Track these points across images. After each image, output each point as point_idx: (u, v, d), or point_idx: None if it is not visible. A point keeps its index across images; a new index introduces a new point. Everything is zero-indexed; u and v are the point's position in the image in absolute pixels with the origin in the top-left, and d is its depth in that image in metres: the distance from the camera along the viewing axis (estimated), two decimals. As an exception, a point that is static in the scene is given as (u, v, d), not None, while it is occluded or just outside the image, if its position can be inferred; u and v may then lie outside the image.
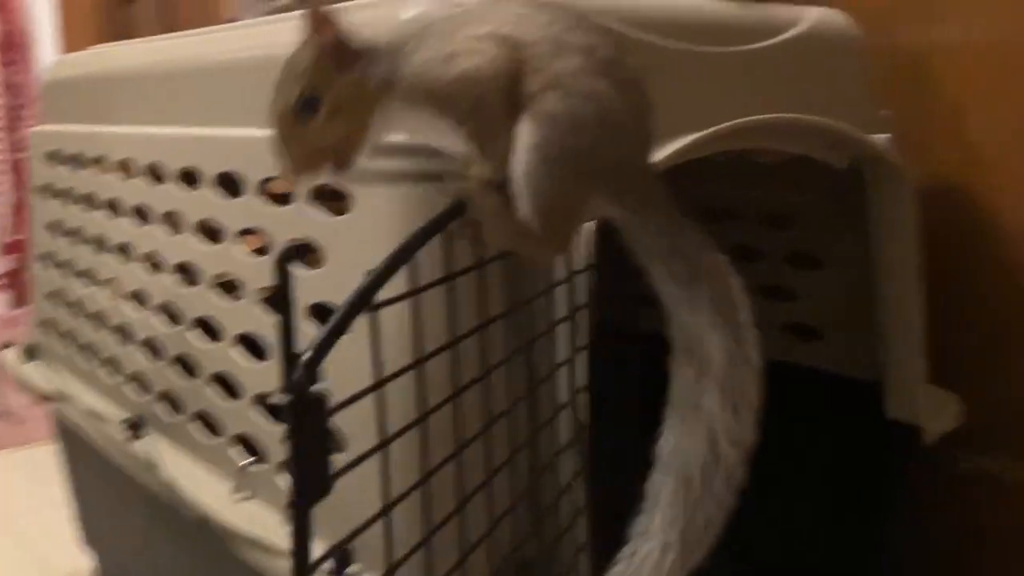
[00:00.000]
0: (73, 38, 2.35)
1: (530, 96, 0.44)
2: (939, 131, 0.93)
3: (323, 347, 0.30)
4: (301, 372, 0.29)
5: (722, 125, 0.67)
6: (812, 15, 0.80)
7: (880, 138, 0.78)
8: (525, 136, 0.44)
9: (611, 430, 0.65)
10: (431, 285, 0.42)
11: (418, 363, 0.40)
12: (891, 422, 0.86)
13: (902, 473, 0.87)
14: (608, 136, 0.45)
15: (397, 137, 0.48)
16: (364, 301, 0.34)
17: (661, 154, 0.66)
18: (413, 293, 0.40)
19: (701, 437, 0.44)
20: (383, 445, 0.37)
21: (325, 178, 0.48)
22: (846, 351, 0.93)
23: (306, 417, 0.30)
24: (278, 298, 0.30)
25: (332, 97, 0.45)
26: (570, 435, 0.59)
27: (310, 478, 0.31)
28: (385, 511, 0.37)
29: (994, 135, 0.89)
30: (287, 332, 0.30)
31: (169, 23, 2.09)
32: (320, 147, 0.45)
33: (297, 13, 0.96)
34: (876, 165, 0.80)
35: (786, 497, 0.93)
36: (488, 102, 0.44)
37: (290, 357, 0.30)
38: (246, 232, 0.72)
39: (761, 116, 0.70)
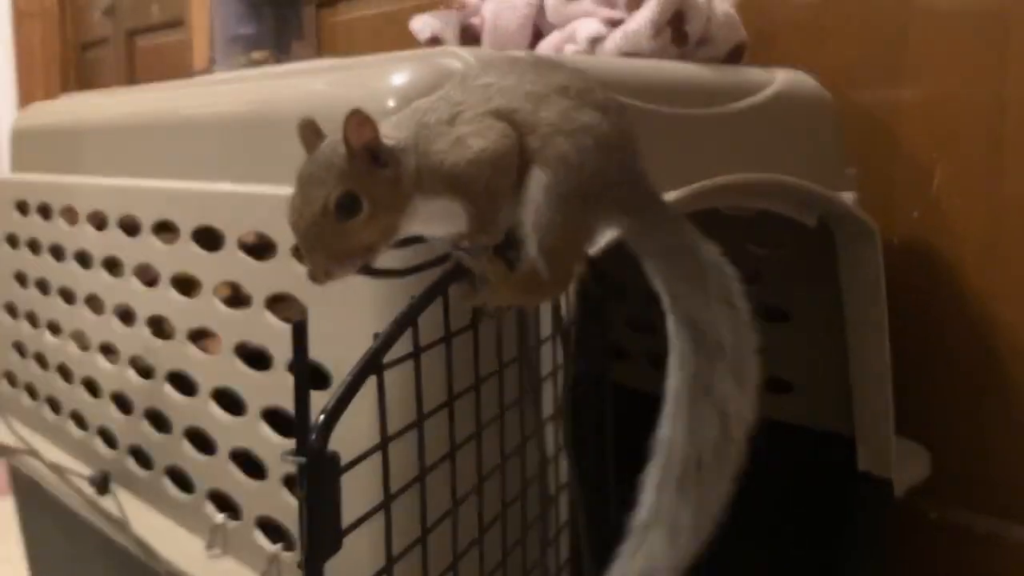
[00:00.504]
0: (30, 83, 2.33)
1: (532, 152, 0.46)
2: (901, 187, 0.95)
3: (336, 411, 0.31)
4: (316, 436, 0.30)
5: (691, 186, 0.68)
6: (781, 77, 0.82)
7: (847, 195, 0.80)
8: (537, 181, 0.46)
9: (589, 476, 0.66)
10: (433, 344, 0.42)
11: (420, 420, 0.40)
12: (862, 475, 0.87)
13: (873, 526, 0.88)
14: (607, 159, 0.47)
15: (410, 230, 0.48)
16: (374, 364, 0.34)
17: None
18: (416, 353, 0.40)
19: (713, 419, 0.47)
20: (388, 500, 0.37)
21: (351, 274, 0.46)
22: (817, 405, 0.94)
23: (321, 479, 0.30)
24: (296, 364, 0.30)
25: (373, 196, 0.44)
26: (557, 487, 0.60)
27: (324, 536, 0.31)
28: (388, 567, 0.38)
29: (954, 191, 0.92)
30: (303, 398, 0.30)
31: (129, 71, 2.08)
32: (358, 247, 0.45)
33: (273, 68, 0.96)
34: (844, 222, 0.82)
35: (757, 547, 0.94)
36: (502, 176, 0.46)
37: (304, 422, 0.30)
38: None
39: (729, 177, 0.72)
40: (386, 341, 0.35)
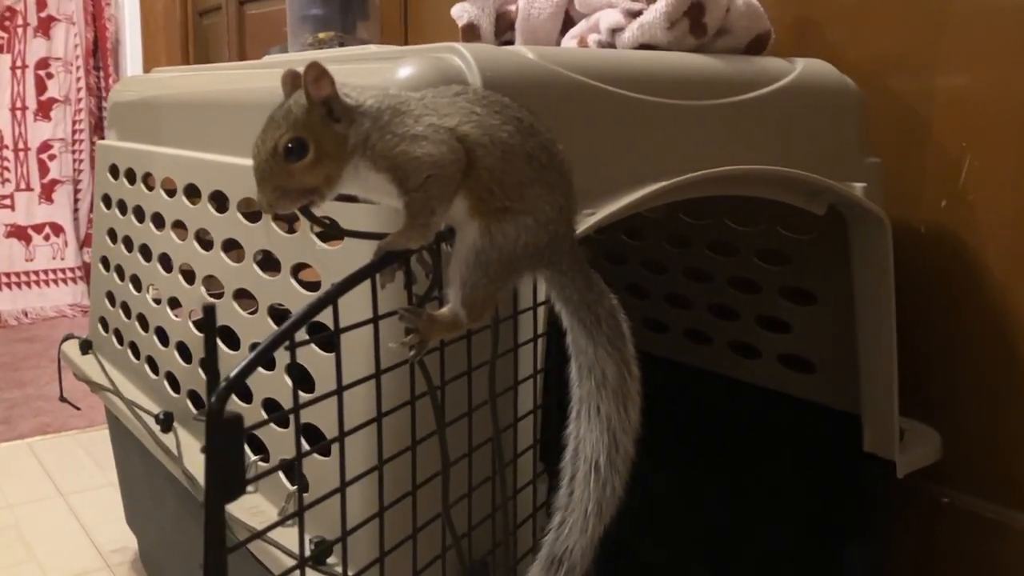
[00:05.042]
0: (154, 47, 2.49)
1: (477, 200, 0.52)
2: (930, 176, 0.96)
3: (236, 380, 0.37)
4: (216, 401, 0.36)
5: (689, 175, 0.72)
6: (801, 68, 0.84)
7: (857, 186, 0.82)
8: (472, 240, 0.53)
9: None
10: (388, 315, 0.49)
11: (378, 372, 0.47)
12: (868, 455, 0.90)
13: (875, 506, 0.91)
14: (542, 234, 0.54)
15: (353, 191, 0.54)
16: (279, 342, 0.41)
17: (638, 194, 0.72)
18: (335, 332, 0.47)
19: (603, 431, 0.56)
20: (302, 455, 0.44)
21: (292, 212, 0.53)
22: (839, 386, 0.97)
23: (219, 436, 0.37)
24: (205, 340, 0.37)
25: (319, 146, 0.50)
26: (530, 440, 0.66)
27: (224, 483, 0.38)
28: (342, 488, 0.46)
29: (982, 183, 0.92)
30: (212, 367, 0.36)
31: (240, 38, 2.21)
32: (300, 188, 0.51)
33: (335, 50, 1.03)
34: (854, 211, 0.84)
35: (765, 520, 0.98)
36: (438, 184, 0.51)
37: (212, 387, 0.36)
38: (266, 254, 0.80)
39: (730, 167, 0.75)
40: (293, 324, 0.42)
